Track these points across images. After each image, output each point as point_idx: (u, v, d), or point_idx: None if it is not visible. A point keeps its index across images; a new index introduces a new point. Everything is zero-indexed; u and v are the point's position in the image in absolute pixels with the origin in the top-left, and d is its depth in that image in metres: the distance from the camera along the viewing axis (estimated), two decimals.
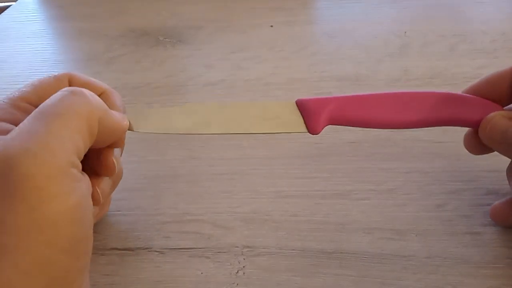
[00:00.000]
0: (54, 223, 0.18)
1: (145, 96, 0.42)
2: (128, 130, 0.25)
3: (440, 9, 0.53)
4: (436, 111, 0.26)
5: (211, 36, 0.51)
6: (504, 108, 0.26)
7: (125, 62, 0.48)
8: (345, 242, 0.27)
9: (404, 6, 0.54)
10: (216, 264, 0.27)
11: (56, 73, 0.26)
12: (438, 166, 0.32)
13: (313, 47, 0.48)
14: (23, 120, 0.20)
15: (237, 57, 0.47)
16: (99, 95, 0.24)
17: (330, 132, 0.32)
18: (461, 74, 0.41)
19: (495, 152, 0.26)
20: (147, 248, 0.28)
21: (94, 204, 0.23)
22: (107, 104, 0.23)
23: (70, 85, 0.26)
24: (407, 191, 0.30)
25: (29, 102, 0.24)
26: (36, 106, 0.21)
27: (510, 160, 0.26)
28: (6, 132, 0.19)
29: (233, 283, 0.25)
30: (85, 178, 0.21)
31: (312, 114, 0.26)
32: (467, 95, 0.27)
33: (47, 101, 0.20)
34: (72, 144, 0.19)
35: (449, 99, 0.26)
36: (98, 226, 0.29)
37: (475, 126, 0.26)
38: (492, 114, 0.25)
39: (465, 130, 0.28)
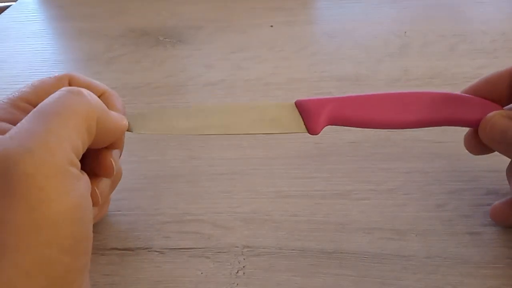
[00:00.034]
0: (54, 222, 0.18)
1: (145, 96, 0.42)
2: (127, 131, 0.25)
3: (440, 9, 0.53)
4: (435, 111, 0.26)
5: (211, 36, 0.51)
6: (504, 108, 0.26)
7: (125, 62, 0.48)
8: (345, 242, 0.27)
9: (404, 6, 0.54)
10: (216, 264, 0.27)
11: (56, 74, 0.26)
12: (438, 166, 0.32)
13: (313, 47, 0.48)
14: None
15: (237, 57, 0.47)
16: (99, 96, 0.24)
17: (330, 132, 0.32)
18: (461, 74, 0.41)
19: (495, 152, 0.26)
20: (147, 248, 0.28)
21: (93, 205, 0.23)
22: (107, 106, 0.23)
23: (70, 86, 0.26)
24: (407, 191, 0.30)
25: (29, 102, 0.24)
26: (35, 107, 0.21)
27: (510, 160, 0.26)
28: (5, 132, 0.19)
29: (233, 283, 0.25)
30: (85, 177, 0.21)
31: (311, 115, 0.26)
32: (467, 95, 0.27)
33: (46, 101, 0.20)
34: (70, 143, 0.19)
35: (448, 99, 0.26)
36: (98, 226, 0.29)
37: (474, 126, 0.26)
38: (491, 113, 0.25)
39: (465, 130, 0.28)
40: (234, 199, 0.31)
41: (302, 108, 0.27)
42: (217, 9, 0.57)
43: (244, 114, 0.27)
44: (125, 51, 0.50)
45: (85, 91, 0.21)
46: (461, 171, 0.31)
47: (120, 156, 0.27)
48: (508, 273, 0.25)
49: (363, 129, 0.28)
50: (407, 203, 0.29)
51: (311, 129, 0.26)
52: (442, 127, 0.27)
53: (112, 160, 0.24)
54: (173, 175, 0.33)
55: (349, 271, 0.26)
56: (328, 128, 0.27)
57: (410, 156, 0.33)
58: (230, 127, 0.27)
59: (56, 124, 0.19)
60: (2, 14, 0.61)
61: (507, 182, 0.27)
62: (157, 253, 0.28)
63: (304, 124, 0.27)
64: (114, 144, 0.25)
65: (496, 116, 0.25)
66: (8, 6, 0.63)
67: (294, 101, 0.27)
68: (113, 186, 0.28)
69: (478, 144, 0.27)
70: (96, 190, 0.24)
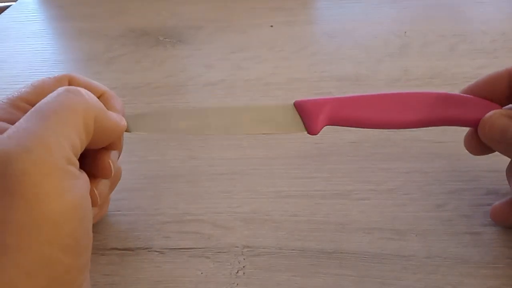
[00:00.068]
0: (54, 221, 0.18)
1: (145, 96, 0.42)
2: (126, 131, 0.25)
3: (440, 9, 0.53)
4: (434, 111, 0.26)
5: (211, 36, 0.51)
6: (503, 108, 0.26)
7: (125, 62, 0.48)
8: (345, 242, 0.27)
9: (404, 6, 0.54)
10: (216, 264, 0.27)
11: (56, 74, 0.26)
12: (438, 166, 0.32)
13: (313, 47, 0.48)
14: None
15: (237, 57, 0.47)
16: (98, 97, 0.24)
17: (330, 132, 0.32)
18: (461, 74, 0.41)
19: (495, 152, 0.26)
20: (147, 248, 0.28)
21: (91, 205, 0.23)
22: (106, 107, 0.23)
23: None
24: (407, 191, 0.30)
25: (28, 102, 0.24)
26: None
27: (510, 160, 0.26)
28: (4, 131, 0.19)
29: (233, 283, 0.25)
30: (83, 175, 0.21)
31: (310, 115, 0.26)
32: (466, 95, 0.27)
33: (43, 100, 0.20)
34: (69, 142, 0.19)
35: (447, 99, 0.27)
36: (98, 226, 0.29)
37: (474, 126, 0.26)
38: (490, 112, 0.25)
39: (465, 130, 0.28)
40: (234, 199, 0.31)
41: (301, 109, 0.27)
42: (217, 9, 0.57)
43: (243, 115, 0.27)
44: (125, 51, 0.50)
45: (82, 90, 0.21)
46: (461, 171, 0.31)
47: (119, 157, 0.27)
48: (508, 273, 0.25)
49: (363, 129, 0.28)
50: (407, 203, 0.29)
51: (310, 129, 0.26)
52: (442, 127, 0.27)
53: (110, 162, 0.24)
54: (173, 175, 0.33)
55: (349, 271, 0.26)
56: (328, 128, 0.27)
57: (410, 156, 0.33)
58: (229, 127, 0.27)
59: (54, 122, 0.19)
60: (2, 14, 0.61)
61: (507, 182, 0.27)
62: (157, 253, 0.28)
63: (304, 124, 0.27)
64: (113, 145, 0.25)
65: (495, 115, 0.25)
66: (8, 6, 0.63)
67: (293, 101, 0.27)
68: (112, 187, 0.28)
69: (478, 144, 0.27)
70: (95, 190, 0.24)
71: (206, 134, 0.27)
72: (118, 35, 0.53)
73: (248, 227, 0.29)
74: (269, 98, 0.40)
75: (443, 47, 0.45)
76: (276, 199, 0.30)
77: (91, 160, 0.24)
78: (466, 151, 0.28)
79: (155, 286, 0.26)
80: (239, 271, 0.26)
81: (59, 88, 0.21)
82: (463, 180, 0.30)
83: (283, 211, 0.30)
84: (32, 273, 0.17)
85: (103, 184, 0.25)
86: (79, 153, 0.21)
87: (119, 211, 0.30)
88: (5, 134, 0.19)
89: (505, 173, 0.27)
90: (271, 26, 0.52)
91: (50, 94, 0.21)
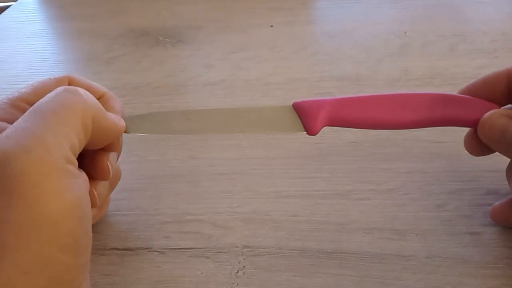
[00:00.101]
0: (53, 221, 0.18)
1: (145, 96, 0.42)
2: (124, 132, 0.25)
3: (440, 9, 0.53)
4: (434, 111, 0.26)
5: (211, 36, 0.51)
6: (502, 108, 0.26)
7: (125, 62, 0.48)
8: (345, 242, 0.27)
9: (404, 6, 0.54)
10: (216, 264, 0.27)
11: (56, 75, 0.26)
12: (438, 166, 0.32)
13: (313, 47, 0.48)
14: None
15: (237, 57, 0.47)
16: (98, 98, 0.24)
17: (330, 132, 0.32)
18: (461, 74, 0.41)
19: (495, 152, 0.26)
20: (147, 248, 0.28)
21: (91, 206, 0.23)
22: (105, 107, 0.23)
23: None
24: (407, 191, 0.30)
25: (28, 102, 0.24)
26: None
27: (510, 160, 0.26)
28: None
29: (233, 283, 0.25)
30: (82, 174, 0.21)
31: (309, 116, 0.26)
32: (465, 96, 0.27)
33: (42, 100, 0.20)
34: (67, 141, 0.19)
35: (447, 99, 0.27)
36: (98, 226, 0.29)
37: (473, 126, 0.26)
38: (490, 112, 0.25)
39: (465, 130, 0.28)
40: (234, 199, 0.31)
41: (300, 109, 0.27)
42: (217, 9, 0.57)
43: (242, 116, 0.27)
44: (125, 51, 0.50)
45: (81, 90, 0.21)
46: (461, 171, 0.31)
47: (118, 158, 0.27)
48: (508, 273, 0.25)
49: (362, 129, 0.28)
50: (407, 203, 0.29)
51: (310, 130, 0.26)
52: (442, 127, 0.27)
53: (109, 163, 0.24)
54: (173, 175, 0.33)
55: (349, 271, 0.26)
56: (328, 128, 0.27)
57: (410, 156, 0.33)
58: (228, 128, 0.27)
59: (52, 122, 0.19)
60: (2, 14, 0.61)
61: (507, 182, 0.27)
62: (157, 253, 0.28)
63: (303, 125, 0.27)
64: (112, 146, 0.25)
65: (494, 115, 0.25)
66: (8, 6, 0.63)
67: (292, 102, 0.27)
68: (111, 188, 0.28)
69: (478, 144, 0.27)
70: (94, 191, 0.24)
71: (205, 134, 0.27)
72: (118, 35, 0.53)
73: (248, 227, 0.29)
74: (269, 98, 0.40)
75: (443, 47, 0.45)
76: (276, 199, 0.30)
77: (90, 161, 0.24)
78: (466, 151, 0.28)
79: (155, 286, 0.26)
80: (239, 271, 0.26)
81: (58, 88, 0.21)
82: (463, 180, 0.30)
83: (283, 211, 0.30)
84: (31, 273, 0.17)
85: (102, 185, 0.25)
86: (78, 152, 0.21)
87: (119, 211, 0.30)
88: (3, 134, 0.19)
89: (505, 173, 0.27)
90: (271, 26, 0.52)
91: (49, 94, 0.21)
